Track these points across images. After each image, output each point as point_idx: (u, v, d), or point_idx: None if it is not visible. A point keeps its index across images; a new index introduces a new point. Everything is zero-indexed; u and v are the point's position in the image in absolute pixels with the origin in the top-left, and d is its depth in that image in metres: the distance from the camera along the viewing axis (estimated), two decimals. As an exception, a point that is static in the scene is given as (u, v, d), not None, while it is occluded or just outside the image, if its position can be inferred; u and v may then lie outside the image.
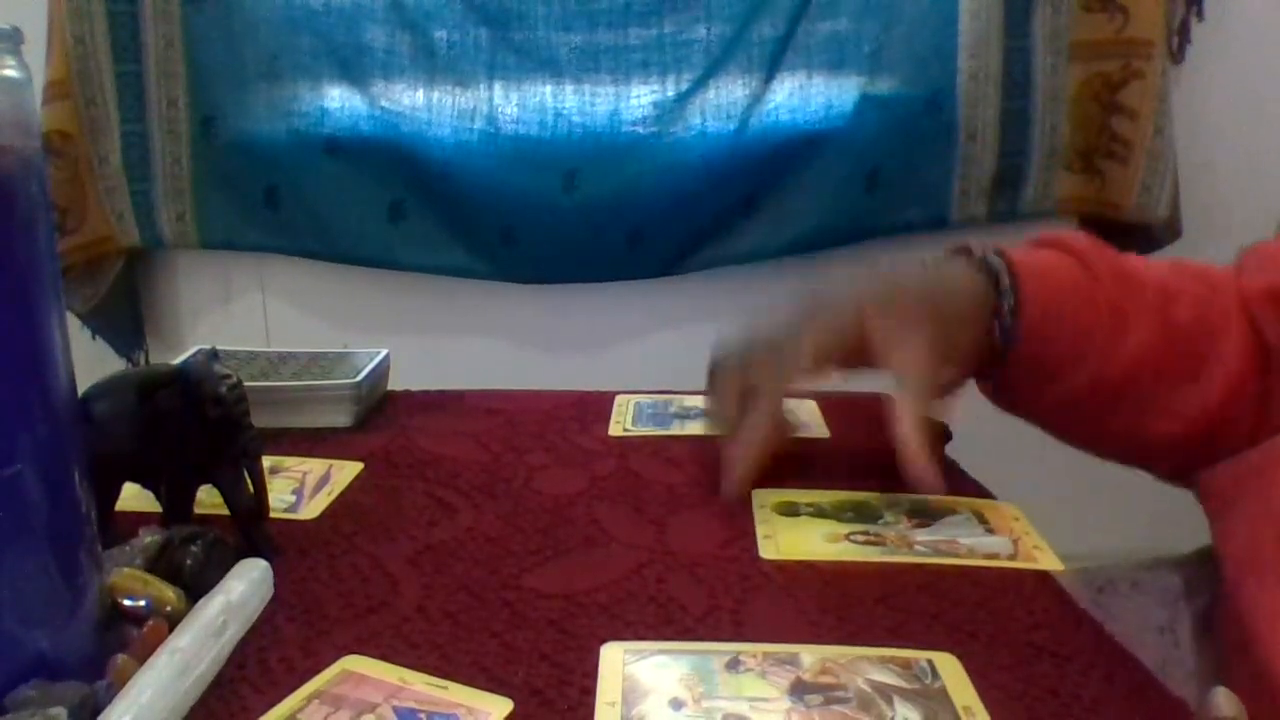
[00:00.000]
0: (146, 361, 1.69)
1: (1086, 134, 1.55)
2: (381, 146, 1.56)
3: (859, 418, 0.71)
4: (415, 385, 0.80)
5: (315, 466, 0.64)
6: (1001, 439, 0.69)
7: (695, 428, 0.70)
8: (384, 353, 0.78)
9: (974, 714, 0.39)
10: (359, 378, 0.72)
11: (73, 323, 1.55)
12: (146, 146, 1.59)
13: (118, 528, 0.49)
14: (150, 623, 0.42)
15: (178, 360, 0.54)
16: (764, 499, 0.58)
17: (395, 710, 0.39)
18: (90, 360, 1.56)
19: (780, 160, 1.55)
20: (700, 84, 1.54)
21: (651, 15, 1.53)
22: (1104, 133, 1.53)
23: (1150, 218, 1.51)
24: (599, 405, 0.75)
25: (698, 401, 0.73)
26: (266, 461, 0.56)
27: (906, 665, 0.42)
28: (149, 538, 0.47)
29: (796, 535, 0.54)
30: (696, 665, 0.42)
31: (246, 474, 0.51)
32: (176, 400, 0.49)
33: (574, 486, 0.61)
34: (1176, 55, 1.54)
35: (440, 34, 1.54)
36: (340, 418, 0.71)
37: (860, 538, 0.54)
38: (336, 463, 0.64)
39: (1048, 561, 0.52)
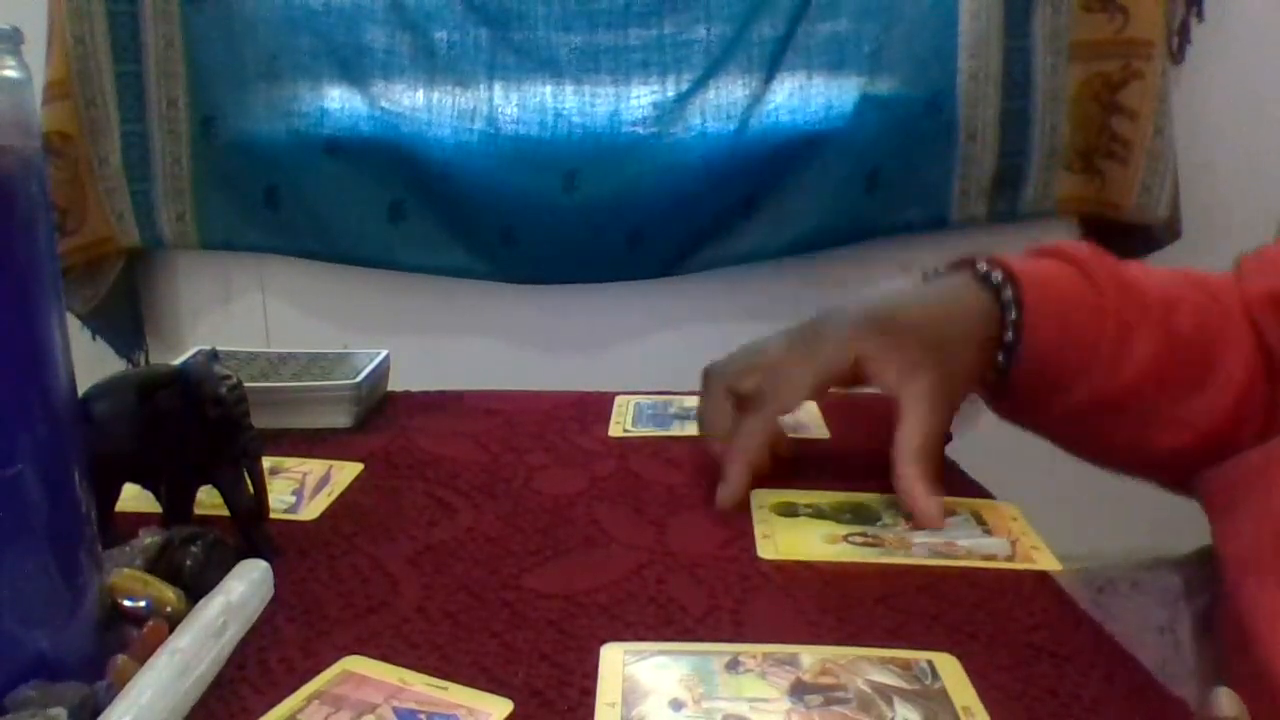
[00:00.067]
0: (146, 361, 1.69)
1: (1086, 134, 1.55)
2: (381, 147, 1.56)
3: (859, 418, 0.71)
4: (415, 385, 0.80)
5: (315, 467, 0.64)
6: (1002, 440, 0.69)
7: (695, 428, 0.70)
8: (384, 353, 0.78)
9: (974, 714, 0.39)
10: (359, 378, 0.72)
11: (73, 323, 1.55)
12: (146, 146, 1.59)
13: (118, 528, 0.49)
14: (150, 623, 0.42)
15: (178, 360, 0.54)
16: (763, 499, 0.58)
17: (395, 711, 0.39)
18: (90, 360, 1.56)
19: (780, 160, 1.55)
20: (700, 84, 1.54)
21: (651, 15, 1.53)
22: (1104, 133, 1.53)
23: (1150, 218, 1.51)
24: (599, 405, 0.75)
25: (697, 402, 0.73)
26: (266, 462, 0.56)
27: (906, 666, 0.42)
28: (149, 538, 0.47)
29: (795, 535, 0.54)
30: (696, 666, 0.42)
31: (246, 474, 0.52)
32: (176, 400, 0.50)
33: (574, 487, 0.61)
34: (1176, 55, 1.54)
35: (440, 34, 1.54)
36: (340, 418, 0.71)
37: (858, 539, 0.54)
38: (336, 463, 0.64)
39: (1045, 562, 0.52)
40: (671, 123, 1.55)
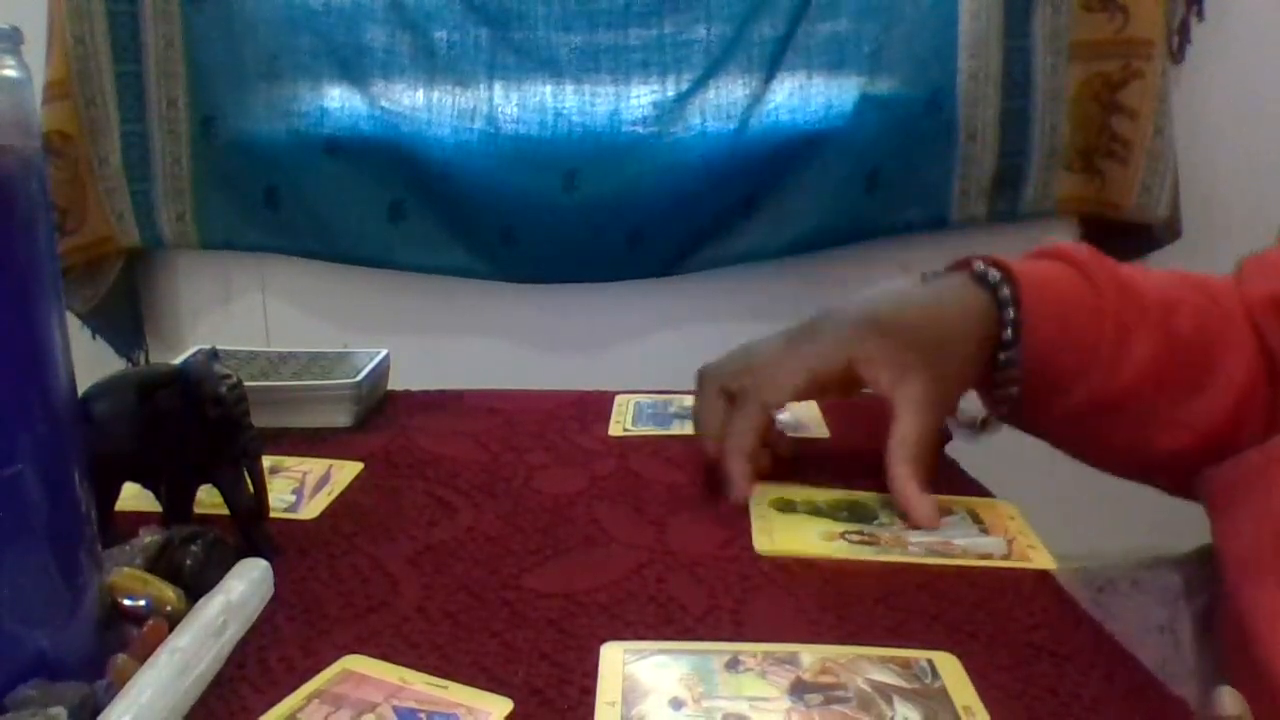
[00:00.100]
0: (146, 361, 1.69)
1: (1086, 134, 1.55)
2: (381, 146, 1.56)
3: (859, 418, 0.71)
4: (415, 385, 0.80)
5: (315, 466, 0.64)
6: (1002, 439, 0.69)
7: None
8: (384, 353, 0.78)
9: (974, 714, 0.39)
10: (359, 378, 0.72)
11: (73, 323, 1.55)
12: (146, 146, 1.59)
13: (118, 528, 0.49)
14: (150, 622, 0.42)
15: (178, 360, 0.54)
16: (761, 496, 0.58)
17: (395, 710, 0.39)
18: (90, 360, 1.56)
19: (780, 160, 1.55)
20: (700, 84, 1.54)
21: (651, 15, 1.53)
22: (1104, 133, 1.53)
23: (1150, 218, 1.51)
24: (599, 405, 0.75)
25: (692, 402, 0.73)
26: (266, 461, 0.56)
27: (906, 665, 0.42)
28: (149, 538, 0.47)
29: (791, 531, 0.54)
30: (696, 665, 0.42)
31: (246, 474, 0.52)
32: (176, 400, 0.50)
33: (574, 486, 0.61)
34: (1176, 55, 1.54)
35: (440, 34, 1.54)
36: (340, 418, 0.71)
37: (855, 537, 0.54)
38: (336, 463, 0.64)
39: (1042, 561, 0.52)
40: (671, 122, 1.55)
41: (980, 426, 0.64)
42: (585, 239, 1.58)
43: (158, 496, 0.52)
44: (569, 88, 1.55)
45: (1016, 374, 0.60)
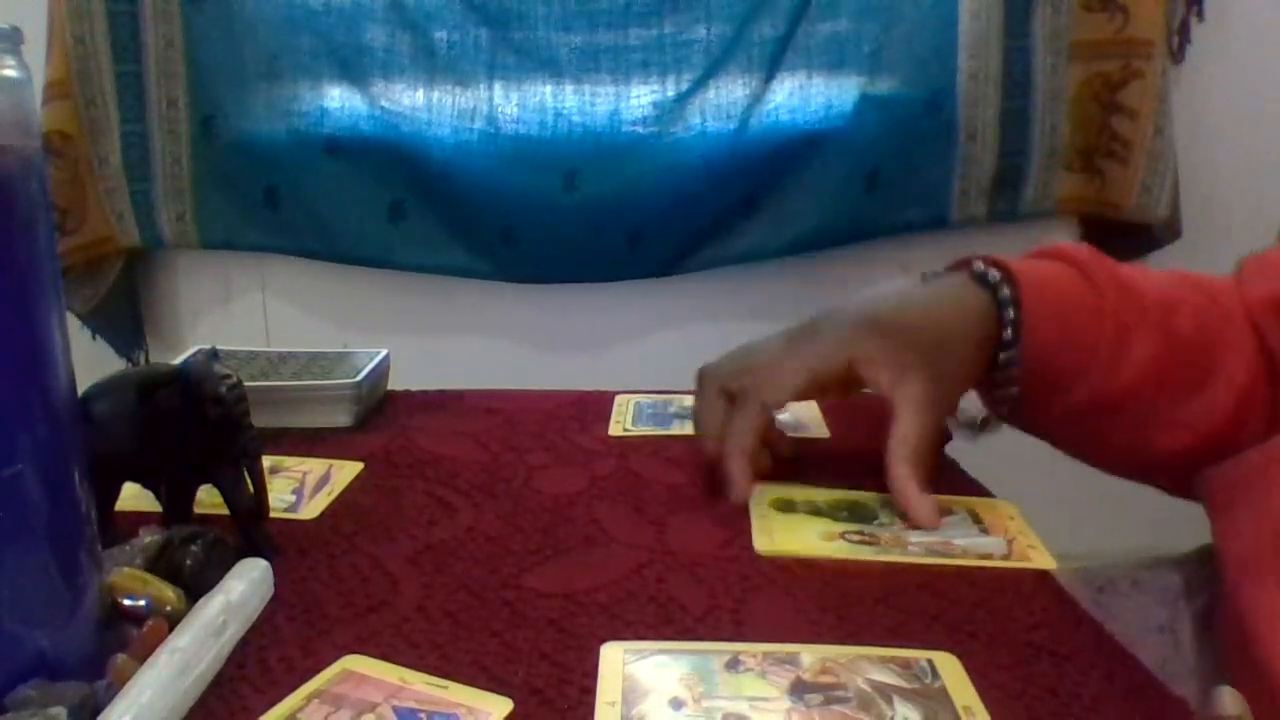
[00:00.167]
0: (146, 361, 1.69)
1: (1086, 134, 1.55)
2: (381, 146, 1.56)
3: (859, 418, 0.71)
4: (415, 385, 0.80)
5: (315, 466, 0.64)
6: (1003, 439, 0.69)
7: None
8: (384, 353, 0.78)
9: (974, 713, 0.39)
10: (359, 378, 0.72)
11: (73, 323, 1.55)
12: (146, 146, 1.59)
13: (118, 528, 0.49)
14: (150, 622, 0.42)
15: (178, 360, 0.54)
16: (761, 495, 0.58)
17: (395, 710, 0.39)
18: (90, 360, 1.56)
19: (780, 160, 1.55)
20: (700, 84, 1.54)
21: (651, 15, 1.53)
22: (1104, 133, 1.53)
23: (1150, 218, 1.51)
24: (599, 405, 0.75)
25: (692, 402, 0.73)
26: (266, 461, 0.56)
27: (906, 665, 0.42)
28: (149, 538, 0.47)
29: (791, 531, 0.54)
30: (696, 665, 0.42)
31: (246, 474, 0.52)
32: (176, 400, 0.50)
33: (574, 486, 0.61)
34: (1176, 55, 1.54)
35: (440, 34, 1.54)
36: (340, 418, 0.71)
37: (855, 537, 0.54)
38: (336, 463, 0.64)
39: (1041, 561, 0.52)
40: (671, 122, 1.55)
41: (980, 426, 0.64)
42: (585, 239, 1.58)
43: (158, 496, 0.52)
44: (569, 88, 1.55)
45: (1016, 374, 0.60)
